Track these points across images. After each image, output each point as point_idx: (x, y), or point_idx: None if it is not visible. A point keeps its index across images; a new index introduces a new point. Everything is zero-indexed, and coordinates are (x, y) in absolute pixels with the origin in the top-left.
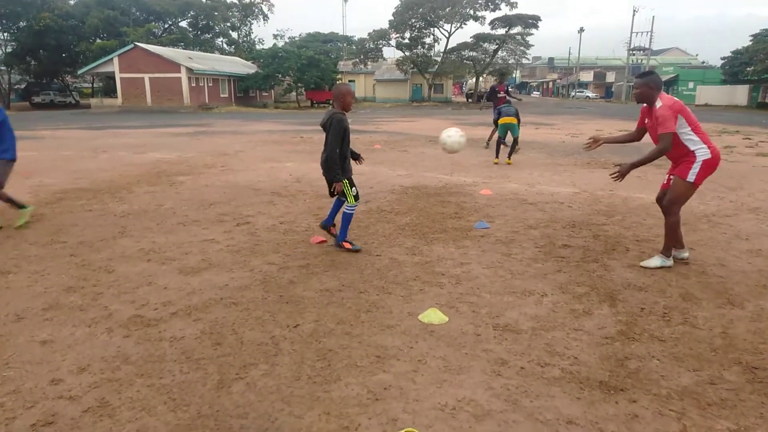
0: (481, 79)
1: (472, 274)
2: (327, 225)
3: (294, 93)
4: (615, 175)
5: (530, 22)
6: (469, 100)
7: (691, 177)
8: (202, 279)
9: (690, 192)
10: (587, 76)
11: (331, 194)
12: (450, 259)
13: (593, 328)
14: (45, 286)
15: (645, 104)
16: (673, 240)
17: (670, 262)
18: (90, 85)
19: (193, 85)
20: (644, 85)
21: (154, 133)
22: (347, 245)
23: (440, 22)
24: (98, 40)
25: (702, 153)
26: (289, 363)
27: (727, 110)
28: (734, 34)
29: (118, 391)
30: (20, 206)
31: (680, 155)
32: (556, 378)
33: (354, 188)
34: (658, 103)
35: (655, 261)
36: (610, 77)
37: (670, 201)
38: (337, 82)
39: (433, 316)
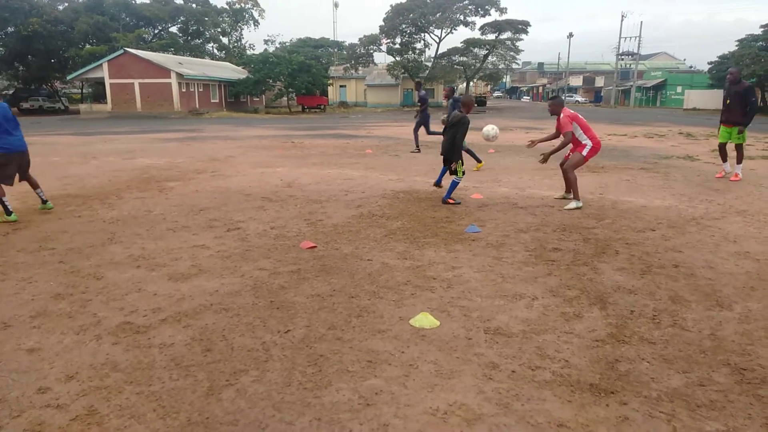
0: (471, 84)
1: (463, 278)
2: (438, 183)
3: (285, 98)
4: (541, 158)
5: (520, 27)
6: None
7: (584, 153)
8: (192, 285)
9: (581, 162)
10: (577, 81)
11: (450, 170)
12: (441, 263)
13: (584, 331)
14: (33, 294)
15: (555, 115)
16: (576, 189)
17: (580, 204)
18: (79, 90)
19: (184, 90)
20: (554, 104)
21: (144, 139)
22: (451, 201)
23: (431, 28)
24: (88, 46)
25: (588, 144)
26: (279, 369)
27: (714, 114)
28: (722, 39)
29: (107, 398)
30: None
31: (576, 144)
32: (547, 381)
33: (463, 166)
34: (561, 115)
35: (572, 204)
36: (599, 82)
37: (570, 166)
38: (465, 93)
39: (425, 320)
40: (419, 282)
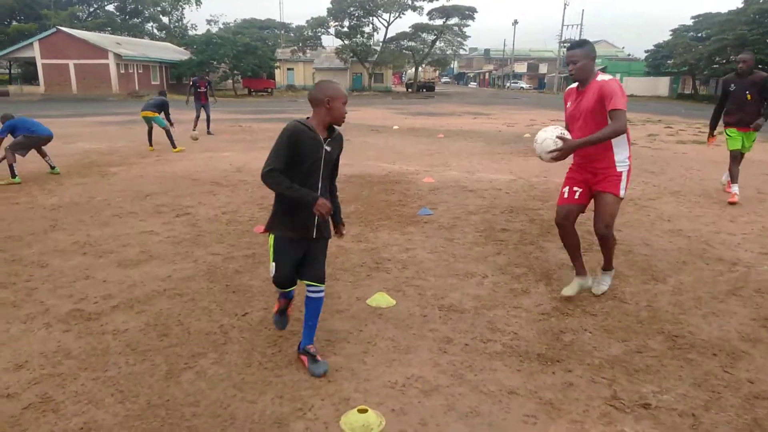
0: (420, 69)
1: (417, 258)
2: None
3: (230, 81)
4: (555, 153)
5: (467, 13)
6: (409, 89)
7: (623, 185)
8: (142, 271)
9: (618, 207)
10: (521, 68)
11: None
12: (395, 245)
13: (531, 306)
14: None
15: (578, 82)
16: (612, 254)
17: (612, 274)
18: (6, 71)
19: (122, 71)
20: (585, 56)
21: (82, 123)
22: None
23: (379, 11)
24: (14, 23)
25: (624, 163)
26: (239, 351)
27: (650, 101)
28: (658, 29)
29: (62, 385)
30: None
31: (598, 155)
32: (498, 353)
33: (273, 263)
34: (605, 76)
35: (606, 282)
36: (543, 68)
37: (608, 225)
38: (326, 80)
39: (381, 299)
40: (375, 263)
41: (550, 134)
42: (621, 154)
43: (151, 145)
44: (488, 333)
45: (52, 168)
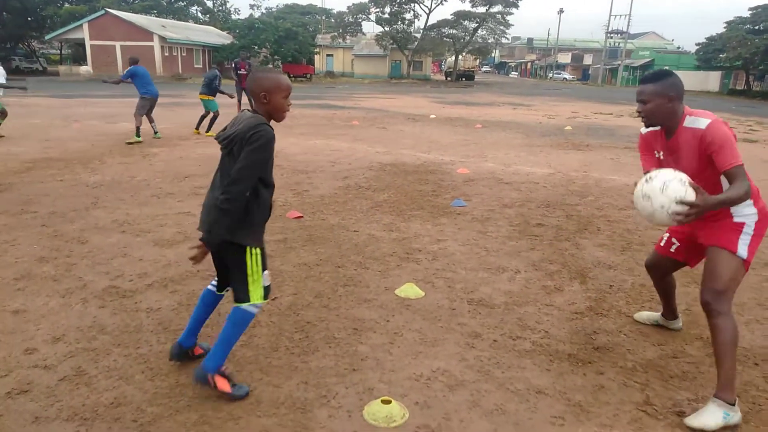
0: (460, 57)
1: (448, 250)
2: (186, 346)
3: (271, 65)
4: (684, 216)
5: (511, 1)
6: (448, 78)
7: (743, 250)
8: (177, 251)
9: (741, 275)
10: (565, 58)
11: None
12: (427, 235)
13: (564, 304)
14: (16, 257)
15: (658, 127)
16: (732, 362)
17: (737, 417)
18: (58, 51)
19: (167, 54)
20: (658, 95)
21: (127, 103)
22: (221, 383)
23: None
24: (66, 5)
25: (745, 213)
26: (267, 334)
27: (699, 96)
28: (712, 20)
29: (95, 360)
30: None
31: (720, 216)
32: (527, 350)
33: (266, 272)
34: (702, 122)
35: (714, 416)
36: (588, 60)
37: (716, 291)
38: (257, 69)
39: (410, 290)
40: (405, 254)
41: (676, 176)
42: (741, 207)
43: (197, 129)
44: (518, 330)
45: (155, 133)
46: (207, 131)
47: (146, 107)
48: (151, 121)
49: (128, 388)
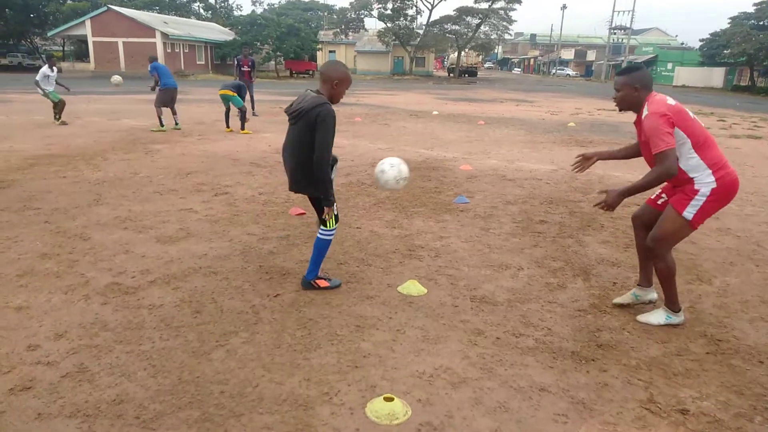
0: (462, 53)
1: (451, 247)
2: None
3: (273, 62)
4: (601, 205)
5: None
6: (451, 74)
7: (688, 213)
8: (180, 248)
9: (684, 232)
10: (568, 54)
11: (322, 221)
12: (429, 232)
13: (567, 301)
14: (19, 253)
15: (628, 108)
16: (672, 287)
17: (679, 318)
18: (60, 48)
19: (169, 50)
20: (626, 85)
21: (129, 100)
22: (320, 284)
23: None
24: (69, 1)
25: (705, 181)
26: (269, 331)
27: (703, 92)
28: (716, 15)
29: (98, 357)
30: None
31: (679, 180)
32: (530, 348)
33: (336, 210)
34: (645, 111)
35: (658, 316)
36: (591, 56)
37: (655, 238)
38: (332, 61)
39: (412, 287)
40: (407, 251)
41: (394, 173)
42: (700, 174)
43: (228, 126)
44: (521, 327)
45: (176, 124)
46: (242, 129)
47: (165, 99)
48: (174, 113)
49: (130, 385)
